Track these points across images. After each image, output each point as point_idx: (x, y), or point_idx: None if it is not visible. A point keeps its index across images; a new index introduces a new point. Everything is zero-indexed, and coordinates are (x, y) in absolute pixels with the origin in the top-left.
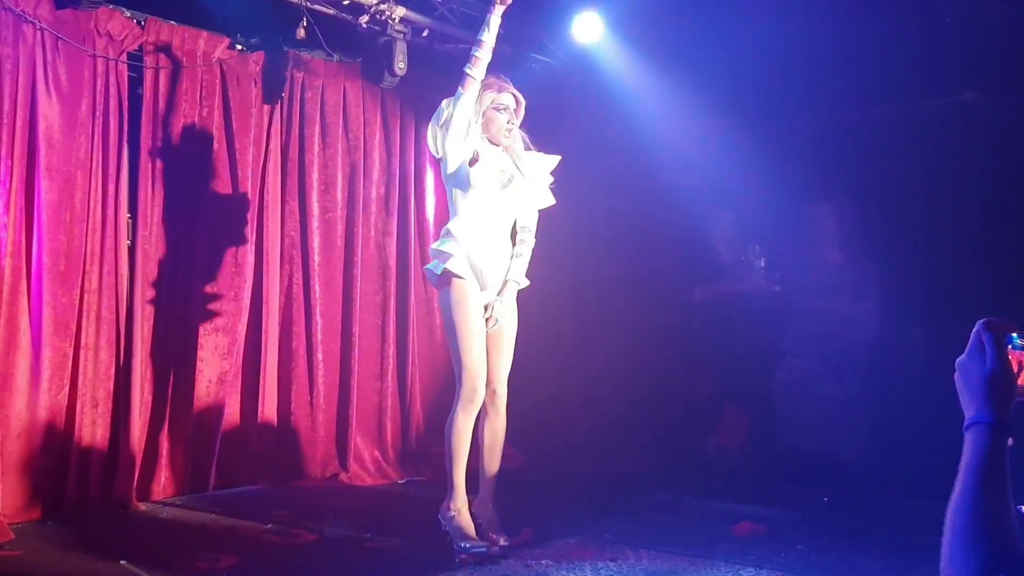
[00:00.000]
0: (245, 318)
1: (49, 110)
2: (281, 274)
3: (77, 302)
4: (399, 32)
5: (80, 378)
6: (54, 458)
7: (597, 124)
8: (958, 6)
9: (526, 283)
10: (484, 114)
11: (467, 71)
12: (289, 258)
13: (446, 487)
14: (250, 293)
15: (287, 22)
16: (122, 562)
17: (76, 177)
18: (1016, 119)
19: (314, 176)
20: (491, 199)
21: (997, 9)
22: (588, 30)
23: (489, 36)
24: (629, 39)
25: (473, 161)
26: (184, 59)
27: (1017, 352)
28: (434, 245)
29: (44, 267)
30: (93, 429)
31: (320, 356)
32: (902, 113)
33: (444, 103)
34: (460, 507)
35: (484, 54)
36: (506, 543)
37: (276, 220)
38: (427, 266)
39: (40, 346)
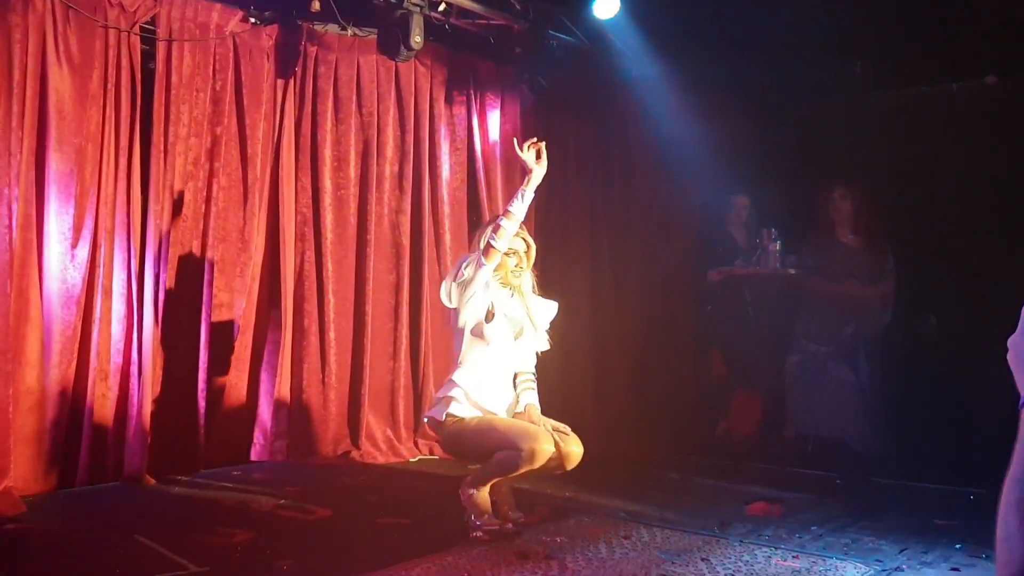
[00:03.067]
0: (251, 295)
1: (60, 82)
2: (294, 252)
3: (87, 275)
4: (416, 5)
5: (92, 352)
6: (65, 432)
7: (614, 104)
8: None
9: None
10: None
11: (492, 243)
12: (301, 236)
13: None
14: (259, 270)
15: None
16: (138, 537)
17: (87, 150)
18: None
19: (327, 152)
20: (503, 351)
21: None
22: (606, 7)
23: (520, 208)
24: (648, 20)
25: (489, 316)
26: (197, 32)
27: None
28: (438, 393)
29: (54, 240)
30: (104, 403)
31: (332, 335)
32: (921, 97)
33: (463, 264)
34: (481, 489)
35: (512, 226)
36: (521, 520)
37: (290, 197)
38: (429, 413)
39: (51, 319)
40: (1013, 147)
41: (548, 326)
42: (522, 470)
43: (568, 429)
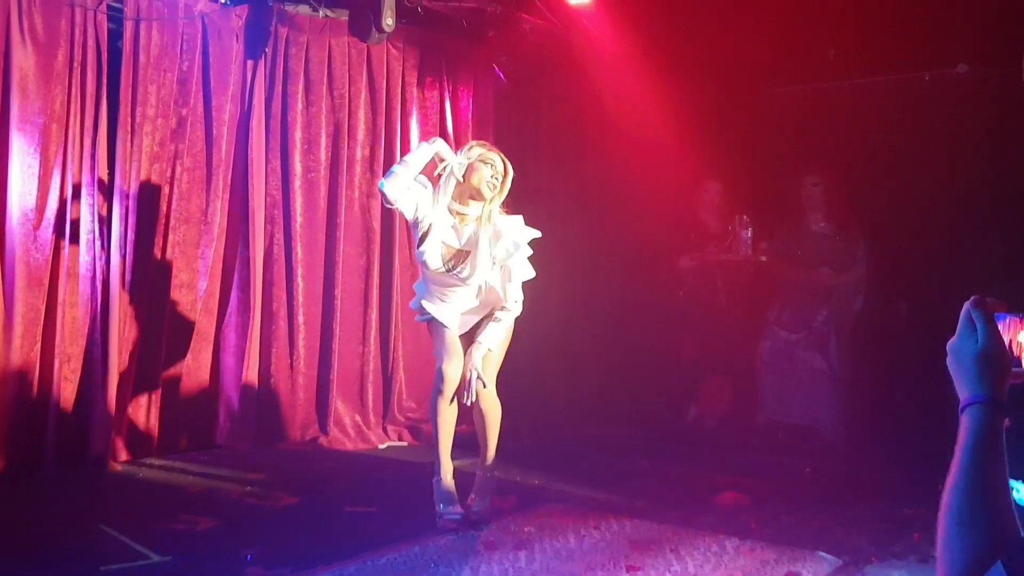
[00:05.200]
0: (213, 276)
1: (24, 60)
2: (263, 235)
3: (51, 257)
4: None
5: (57, 335)
6: (27, 415)
7: (586, 87)
8: None
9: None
10: (469, 165)
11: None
12: (271, 218)
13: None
14: (223, 251)
15: None
16: (101, 526)
17: (51, 130)
18: (1007, 93)
19: (297, 135)
20: (447, 276)
21: None
22: None
23: (415, 160)
24: (619, 5)
25: (424, 237)
26: (166, 11)
27: (1010, 320)
28: (412, 304)
29: (17, 222)
30: (68, 386)
31: (301, 319)
32: (893, 85)
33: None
34: (444, 474)
35: (405, 174)
36: (476, 507)
37: (259, 179)
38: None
39: (13, 302)
40: (984, 136)
41: (525, 251)
42: (439, 406)
43: (483, 383)
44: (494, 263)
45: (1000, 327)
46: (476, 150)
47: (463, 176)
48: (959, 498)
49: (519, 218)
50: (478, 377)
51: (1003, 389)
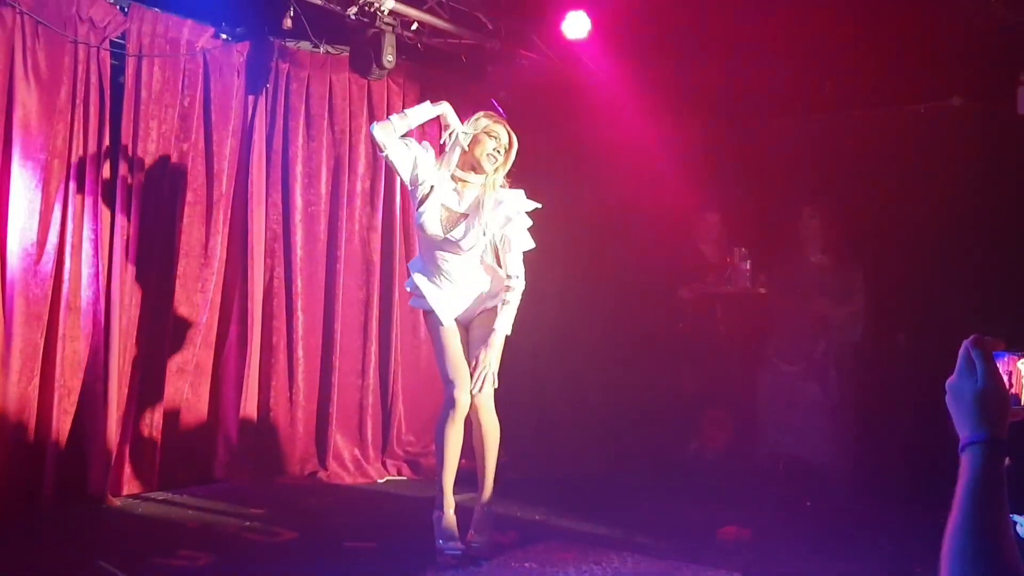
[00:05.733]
0: (213, 309)
1: (27, 96)
2: (263, 268)
3: (51, 292)
4: (388, 24)
5: (55, 369)
6: (26, 451)
7: (584, 122)
8: (949, 10)
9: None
10: (474, 136)
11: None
12: (271, 252)
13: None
14: (222, 285)
15: (274, 11)
16: (100, 563)
17: (52, 165)
18: (1001, 124)
19: (298, 169)
20: (438, 243)
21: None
22: (576, 28)
23: (415, 115)
24: (617, 38)
25: (424, 199)
26: (168, 48)
27: (1008, 358)
28: (406, 286)
29: (17, 256)
30: (66, 420)
31: (301, 352)
32: (889, 117)
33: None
34: (445, 509)
35: (400, 124)
36: (476, 543)
37: (260, 213)
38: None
39: (11, 336)
40: (978, 167)
41: (525, 221)
42: (447, 432)
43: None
44: (489, 232)
45: (999, 365)
46: (483, 121)
47: (468, 146)
48: (961, 537)
49: (520, 191)
50: (491, 374)
51: (1003, 428)
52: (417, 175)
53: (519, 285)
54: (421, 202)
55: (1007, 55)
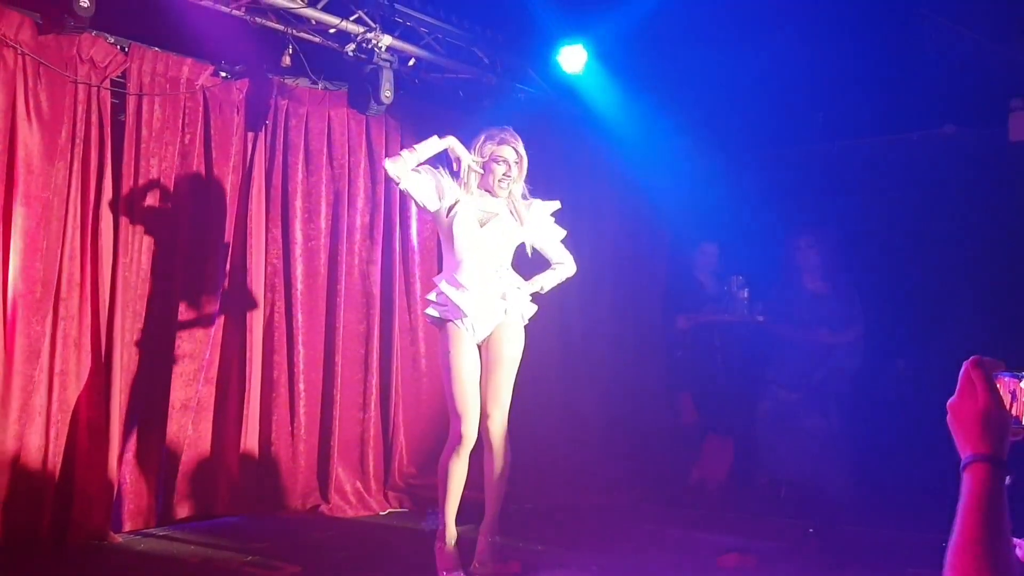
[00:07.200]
0: (215, 345)
1: (29, 137)
2: (264, 303)
3: (50, 330)
4: (386, 61)
5: (54, 406)
6: (27, 487)
7: (582, 155)
8: (940, 41)
9: (533, 307)
10: (484, 165)
11: (399, 155)
12: (271, 286)
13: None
14: (222, 321)
15: (272, 49)
16: None
17: (54, 204)
18: (994, 152)
19: (297, 204)
20: (473, 241)
21: (979, 45)
22: (573, 61)
23: (424, 149)
24: (614, 71)
25: (452, 207)
26: (168, 86)
27: (1008, 380)
28: (428, 296)
29: (19, 294)
30: (67, 458)
31: (302, 386)
32: (883, 146)
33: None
34: (448, 540)
35: (410, 158)
36: (479, 574)
37: (259, 248)
38: (426, 310)
39: (12, 374)
40: (972, 193)
41: (551, 219)
42: (453, 465)
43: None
44: (525, 224)
45: (999, 386)
46: (488, 147)
47: (481, 168)
48: (962, 557)
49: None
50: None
51: (1004, 447)
52: (443, 189)
53: (568, 265)
54: (451, 208)
55: (998, 83)
